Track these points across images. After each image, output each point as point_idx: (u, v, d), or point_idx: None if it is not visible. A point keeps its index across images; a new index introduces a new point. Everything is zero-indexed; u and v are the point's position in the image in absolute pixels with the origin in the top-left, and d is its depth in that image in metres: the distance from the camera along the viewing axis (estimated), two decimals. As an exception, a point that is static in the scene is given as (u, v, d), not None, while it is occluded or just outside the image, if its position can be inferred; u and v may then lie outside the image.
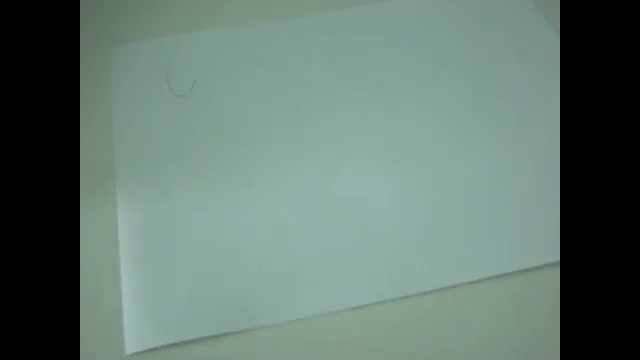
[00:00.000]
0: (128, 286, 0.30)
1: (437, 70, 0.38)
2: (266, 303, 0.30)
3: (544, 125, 0.36)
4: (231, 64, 0.39)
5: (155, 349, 0.29)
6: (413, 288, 0.30)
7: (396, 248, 0.31)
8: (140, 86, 0.38)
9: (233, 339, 0.29)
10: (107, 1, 0.43)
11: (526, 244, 0.31)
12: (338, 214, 0.32)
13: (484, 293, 0.30)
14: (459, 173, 0.34)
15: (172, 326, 0.29)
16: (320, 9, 0.42)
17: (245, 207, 0.33)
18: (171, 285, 0.30)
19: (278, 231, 0.32)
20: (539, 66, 0.38)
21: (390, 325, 0.29)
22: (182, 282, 0.30)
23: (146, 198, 0.33)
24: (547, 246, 0.31)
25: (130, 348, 0.29)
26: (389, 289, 0.30)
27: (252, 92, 0.38)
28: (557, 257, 0.30)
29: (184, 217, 0.33)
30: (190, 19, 0.42)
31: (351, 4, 0.42)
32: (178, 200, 0.33)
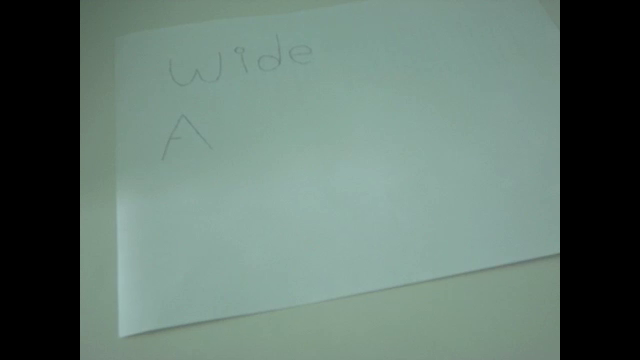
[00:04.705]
0: (124, 270, 0.30)
1: (438, 65, 0.38)
2: (262, 290, 0.29)
3: (545, 119, 0.35)
4: (233, 55, 0.39)
5: (149, 332, 0.28)
6: (410, 277, 0.30)
7: (394, 239, 0.31)
8: (143, 75, 0.38)
9: (227, 325, 0.29)
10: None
11: (526, 236, 0.31)
12: (336, 205, 0.32)
13: (482, 284, 0.30)
14: (458, 166, 0.34)
15: (166, 310, 0.29)
16: (319, 4, 0.42)
17: (245, 197, 0.33)
18: (167, 270, 0.30)
19: (276, 221, 0.32)
20: (541, 63, 0.38)
21: (388, 313, 0.29)
22: (178, 268, 0.30)
23: (146, 186, 0.33)
24: (547, 238, 0.31)
25: (124, 331, 0.28)
26: (387, 278, 0.30)
27: (253, 85, 0.38)
28: (557, 249, 0.30)
29: (183, 205, 0.32)
30: (192, 10, 0.42)
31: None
32: (178, 189, 0.33)
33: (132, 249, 0.31)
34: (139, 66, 0.39)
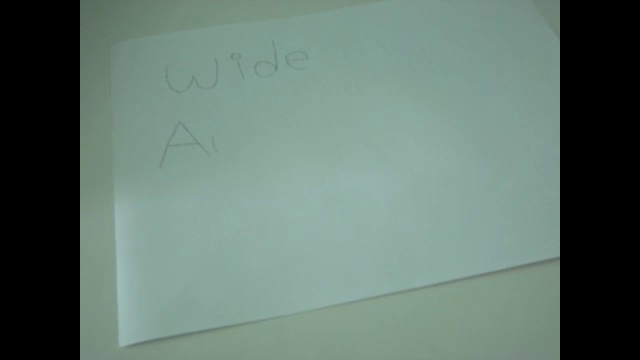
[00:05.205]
0: (123, 279, 0.30)
1: (435, 69, 0.39)
2: (263, 297, 0.29)
3: (543, 122, 0.36)
4: (229, 62, 0.39)
5: (149, 342, 0.28)
6: (410, 283, 0.30)
7: (394, 244, 0.31)
8: (139, 82, 0.38)
9: (227, 333, 0.28)
10: None
11: (526, 240, 0.31)
12: (335, 211, 0.32)
13: (482, 289, 0.30)
14: (457, 170, 0.34)
15: (167, 319, 0.29)
16: (314, 9, 0.42)
17: (244, 204, 0.33)
18: (167, 279, 0.30)
19: (275, 227, 0.32)
20: (537, 67, 0.38)
21: (388, 319, 0.29)
22: (178, 276, 0.30)
23: (144, 194, 0.33)
24: (547, 242, 0.31)
25: (124, 340, 0.28)
26: (387, 284, 0.30)
27: (250, 91, 0.38)
28: (557, 253, 0.30)
29: (182, 212, 0.32)
30: (188, 17, 0.42)
31: (346, 4, 0.42)
32: (176, 196, 0.33)
33: (131, 257, 0.31)
34: (136, 73, 0.39)
